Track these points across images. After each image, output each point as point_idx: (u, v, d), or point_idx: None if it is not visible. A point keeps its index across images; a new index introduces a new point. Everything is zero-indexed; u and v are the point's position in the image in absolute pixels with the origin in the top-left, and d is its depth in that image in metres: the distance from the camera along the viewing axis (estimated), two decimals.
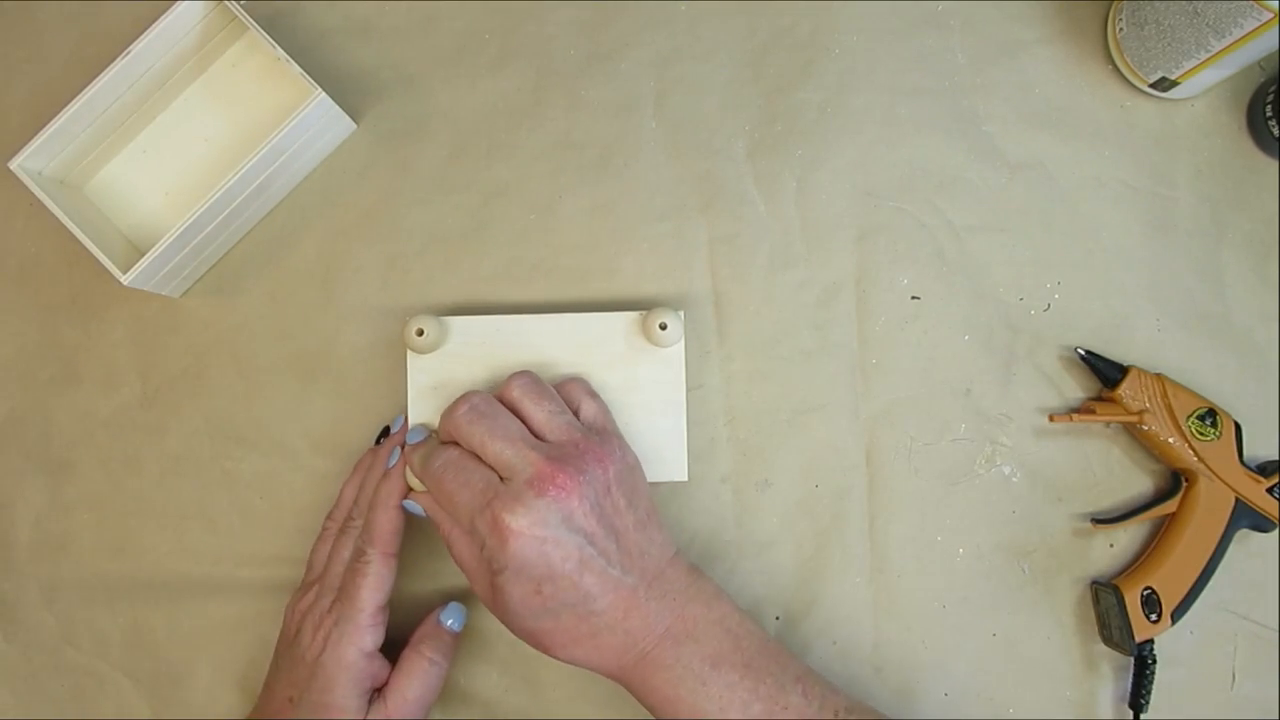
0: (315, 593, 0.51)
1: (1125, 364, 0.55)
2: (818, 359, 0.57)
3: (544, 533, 0.44)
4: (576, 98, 0.59)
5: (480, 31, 0.59)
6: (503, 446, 0.47)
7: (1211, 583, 0.54)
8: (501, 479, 0.46)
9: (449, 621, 0.52)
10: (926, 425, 0.56)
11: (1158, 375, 0.54)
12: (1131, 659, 0.53)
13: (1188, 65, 0.53)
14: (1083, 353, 0.55)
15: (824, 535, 0.56)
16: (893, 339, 0.57)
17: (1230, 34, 0.49)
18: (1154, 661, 0.53)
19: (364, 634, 0.49)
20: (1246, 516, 0.53)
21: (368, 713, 0.49)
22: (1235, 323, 0.56)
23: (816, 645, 0.55)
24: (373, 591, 0.50)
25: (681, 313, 0.54)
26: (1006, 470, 0.56)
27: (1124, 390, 0.54)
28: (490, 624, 0.56)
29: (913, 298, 0.57)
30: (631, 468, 0.49)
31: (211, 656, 0.57)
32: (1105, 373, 0.55)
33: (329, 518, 0.54)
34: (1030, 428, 0.56)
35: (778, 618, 0.56)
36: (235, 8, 0.55)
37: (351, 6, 0.60)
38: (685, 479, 0.54)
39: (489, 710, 0.56)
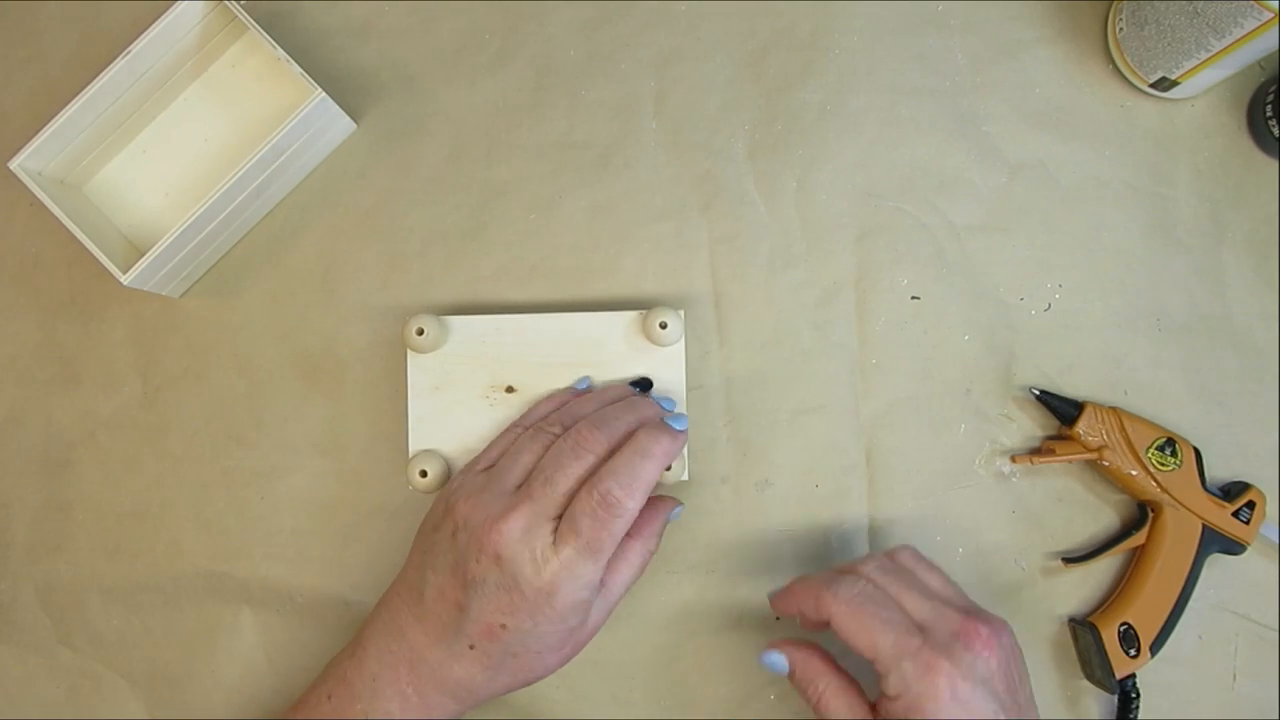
0: (523, 514, 0.46)
1: (1080, 399, 0.55)
2: (818, 359, 0.57)
3: (968, 687, 0.43)
4: (576, 98, 0.59)
5: (480, 31, 0.59)
6: (920, 600, 0.46)
7: (1212, 583, 0.54)
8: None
9: (675, 515, 0.52)
10: (926, 425, 0.56)
11: (1114, 409, 0.54)
12: (1115, 695, 0.53)
13: (1188, 65, 0.53)
14: (1037, 392, 0.55)
15: (824, 535, 0.56)
16: (893, 339, 0.57)
17: (1230, 34, 0.49)
18: (1137, 696, 0.52)
19: (599, 574, 0.47)
20: (1216, 542, 0.53)
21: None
22: (1235, 323, 0.56)
23: None
24: (618, 538, 0.47)
25: (682, 312, 0.54)
26: (1006, 470, 0.56)
27: (1081, 427, 0.54)
28: None
29: (913, 298, 0.57)
30: (1019, 649, 0.47)
31: (209, 657, 0.57)
32: (1061, 410, 0.54)
33: (516, 425, 0.53)
34: (1030, 428, 0.56)
35: (778, 618, 0.56)
36: (235, 8, 0.55)
37: (351, 6, 0.60)
38: (686, 479, 0.54)
39: (492, 710, 0.56)
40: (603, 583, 0.48)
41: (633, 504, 0.47)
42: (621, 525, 0.47)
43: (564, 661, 0.49)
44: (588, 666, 0.56)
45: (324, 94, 0.54)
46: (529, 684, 0.49)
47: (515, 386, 0.55)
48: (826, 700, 0.47)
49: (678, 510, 0.52)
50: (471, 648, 0.47)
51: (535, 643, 0.47)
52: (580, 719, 0.56)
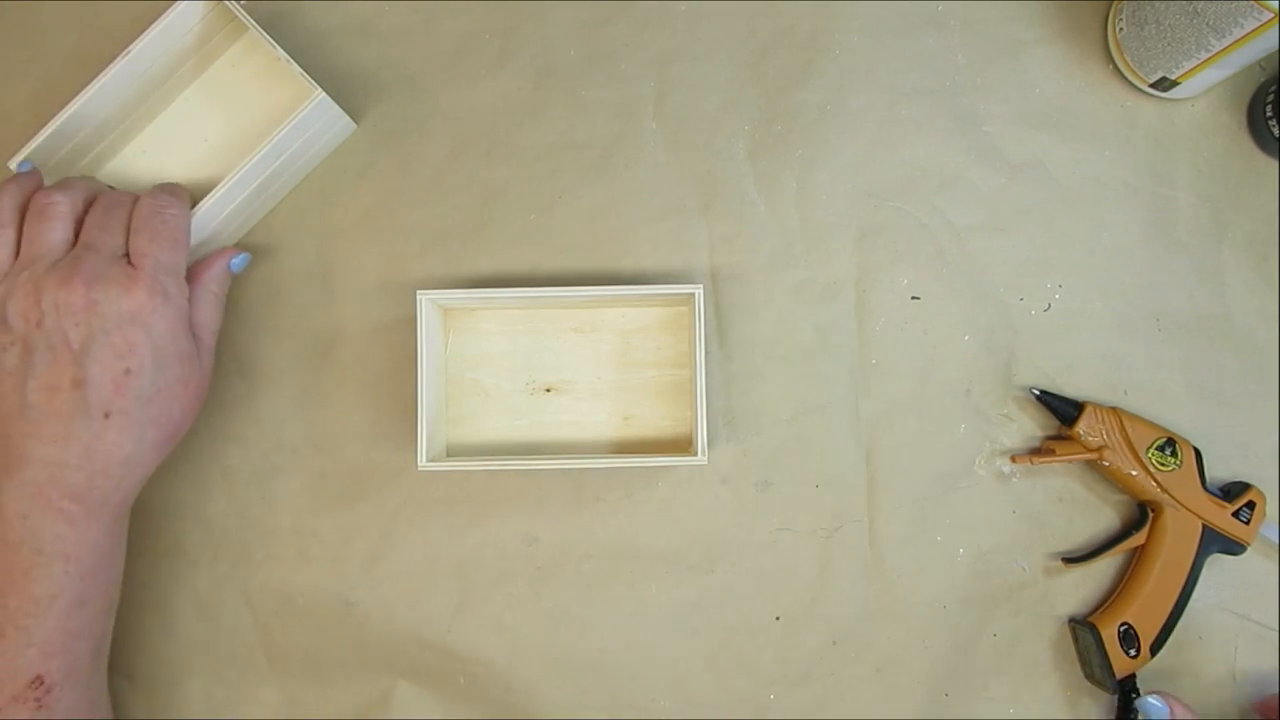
0: (90, 263, 0.49)
1: (1080, 399, 0.55)
2: (818, 359, 0.57)
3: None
4: (576, 98, 0.59)
5: (480, 31, 0.59)
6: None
7: (1212, 583, 0.54)
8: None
9: (238, 264, 0.55)
10: (926, 425, 0.56)
11: (1114, 409, 0.54)
12: (1114, 695, 0.53)
13: (1188, 65, 0.53)
14: (1037, 392, 0.55)
15: (824, 535, 0.56)
16: (893, 339, 0.57)
17: (1230, 34, 0.49)
18: (1137, 695, 0.52)
19: (181, 290, 0.51)
20: (1216, 542, 0.53)
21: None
22: (1235, 323, 0.56)
23: (816, 645, 0.55)
24: (180, 244, 0.51)
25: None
26: (1006, 470, 0.56)
27: (1081, 427, 0.54)
28: (491, 632, 0.56)
29: (913, 298, 0.57)
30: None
31: (209, 658, 0.57)
32: (1061, 410, 0.55)
33: None
34: (1030, 428, 0.56)
35: (778, 618, 0.56)
36: (235, 8, 0.55)
37: (351, 6, 0.60)
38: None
39: (490, 711, 0.56)
40: (193, 327, 0.51)
41: (178, 209, 0.51)
42: (177, 229, 0.51)
43: (195, 403, 0.51)
44: (588, 666, 0.56)
45: (324, 94, 0.54)
46: (176, 438, 0.51)
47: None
48: None
49: (240, 259, 0.55)
50: (107, 415, 0.48)
51: (161, 377, 0.49)
52: (580, 719, 0.56)
